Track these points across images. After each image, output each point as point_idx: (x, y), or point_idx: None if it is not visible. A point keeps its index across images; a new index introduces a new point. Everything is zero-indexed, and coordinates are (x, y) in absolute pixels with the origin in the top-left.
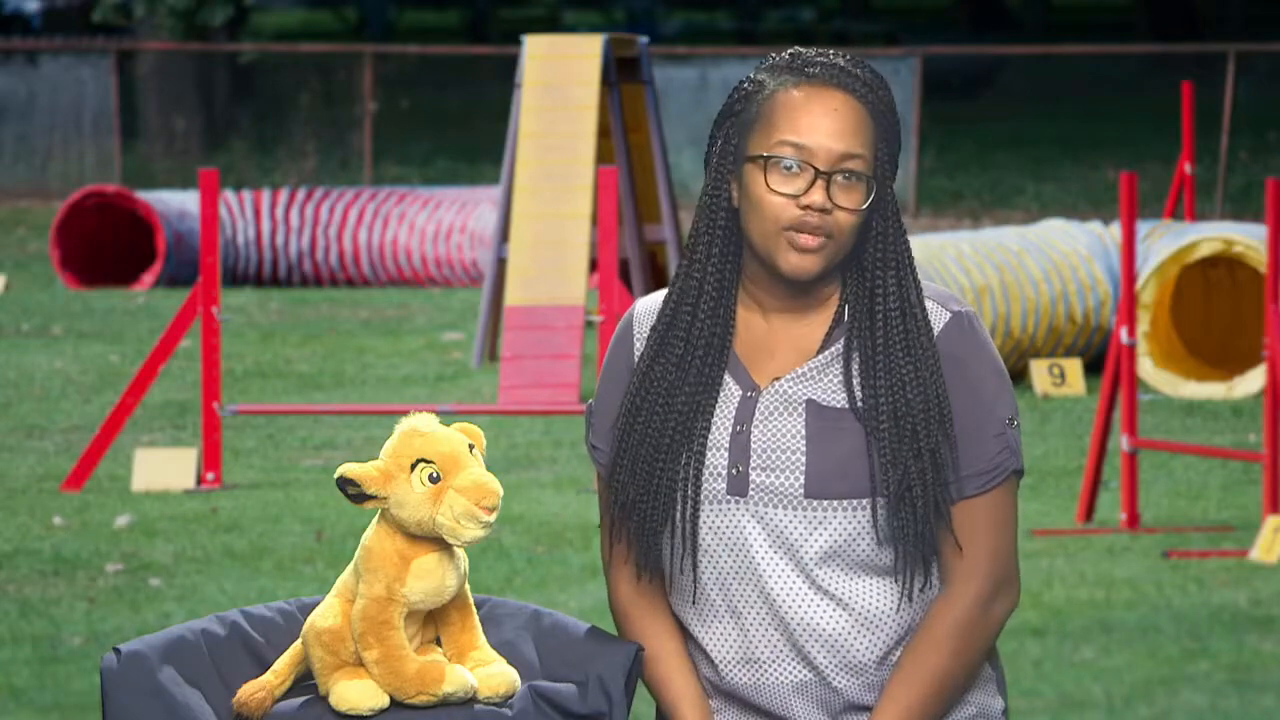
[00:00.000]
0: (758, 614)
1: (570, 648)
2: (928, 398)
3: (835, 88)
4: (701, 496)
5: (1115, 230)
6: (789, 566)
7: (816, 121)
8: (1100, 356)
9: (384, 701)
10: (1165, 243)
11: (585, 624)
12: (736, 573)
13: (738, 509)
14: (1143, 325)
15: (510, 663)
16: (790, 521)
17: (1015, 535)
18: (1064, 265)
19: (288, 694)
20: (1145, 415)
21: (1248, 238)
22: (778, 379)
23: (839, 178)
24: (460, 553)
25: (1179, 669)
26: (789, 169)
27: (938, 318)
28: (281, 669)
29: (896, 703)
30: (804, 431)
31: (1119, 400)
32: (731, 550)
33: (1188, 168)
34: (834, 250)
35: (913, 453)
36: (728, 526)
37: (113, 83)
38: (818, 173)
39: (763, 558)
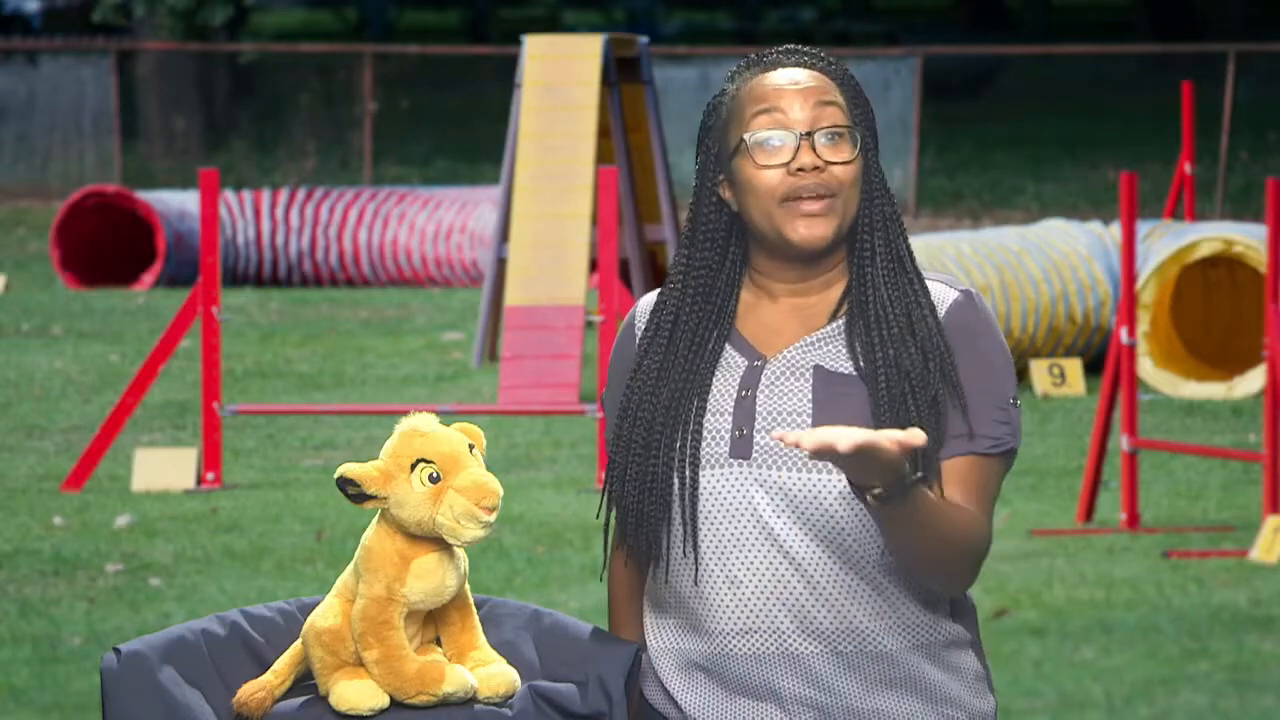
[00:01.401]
0: (756, 582)
1: (570, 648)
2: (926, 356)
3: (792, 65)
4: (701, 461)
5: (1115, 230)
6: (798, 528)
7: (784, 91)
8: (1100, 356)
9: (384, 701)
10: (1165, 243)
11: (585, 624)
12: (736, 539)
13: (741, 472)
14: (1143, 325)
15: (510, 663)
16: (795, 483)
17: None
18: (1064, 265)
19: (288, 694)
20: (1145, 415)
21: (1248, 238)
22: (785, 350)
23: (821, 136)
24: (460, 553)
25: (1179, 669)
26: (772, 144)
27: (946, 296)
28: (281, 669)
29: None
30: (811, 395)
31: (1119, 400)
32: (732, 516)
33: (1188, 168)
34: (840, 211)
35: (914, 416)
36: (729, 490)
37: (113, 83)
38: (800, 136)
39: (773, 520)
